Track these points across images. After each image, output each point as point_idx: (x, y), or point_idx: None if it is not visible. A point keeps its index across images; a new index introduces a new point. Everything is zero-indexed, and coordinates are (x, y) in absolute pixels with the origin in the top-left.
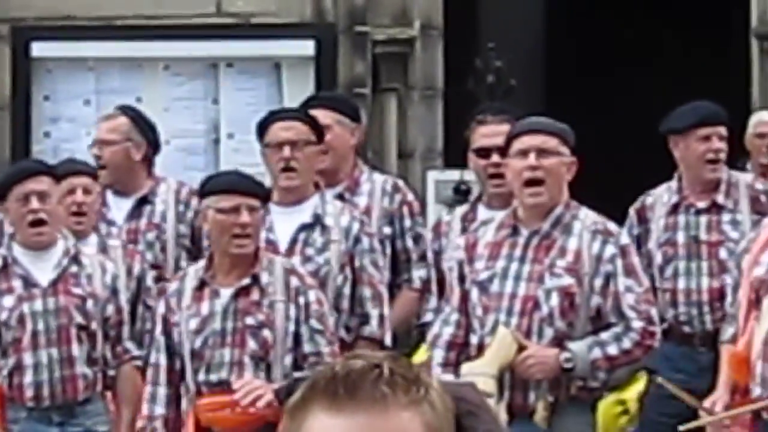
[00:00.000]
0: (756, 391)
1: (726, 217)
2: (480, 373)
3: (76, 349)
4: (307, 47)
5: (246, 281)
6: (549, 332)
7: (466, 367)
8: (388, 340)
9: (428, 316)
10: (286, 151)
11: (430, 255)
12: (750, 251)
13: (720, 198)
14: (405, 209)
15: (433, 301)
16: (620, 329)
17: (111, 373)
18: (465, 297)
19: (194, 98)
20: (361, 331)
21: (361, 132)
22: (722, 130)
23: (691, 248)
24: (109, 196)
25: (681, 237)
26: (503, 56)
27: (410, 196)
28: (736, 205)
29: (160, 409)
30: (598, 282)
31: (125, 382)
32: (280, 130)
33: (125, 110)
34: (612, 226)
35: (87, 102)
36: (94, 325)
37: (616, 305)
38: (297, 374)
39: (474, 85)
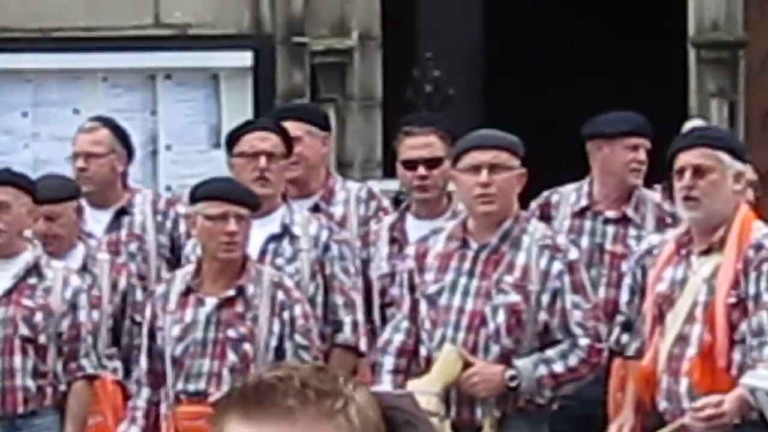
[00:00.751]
0: (662, 405)
1: (633, 231)
2: (424, 392)
3: (18, 361)
4: (245, 58)
5: (231, 292)
6: (495, 349)
7: (411, 385)
8: (362, 346)
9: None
10: (263, 161)
11: (358, 263)
12: (654, 267)
13: (630, 211)
14: (382, 215)
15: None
16: (567, 346)
17: (62, 388)
18: (415, 306)
19: (132, 110)
20: (334, 338)
21: (331, 141)
22: (647, 143)
23: (594, 255)
24: (87, 208)
25: (585, 242)
26: (441, 66)
27: (385, 202)
28: (644, 221)
29: (141, 402)
30: (546, 298)
31: (73, 399)
32: (256, 141)
33: (104, 121)
34: (561, 240)
35: (24, 114)
36: (42, 339)
37: (563, 322)
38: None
39: (412, 95)
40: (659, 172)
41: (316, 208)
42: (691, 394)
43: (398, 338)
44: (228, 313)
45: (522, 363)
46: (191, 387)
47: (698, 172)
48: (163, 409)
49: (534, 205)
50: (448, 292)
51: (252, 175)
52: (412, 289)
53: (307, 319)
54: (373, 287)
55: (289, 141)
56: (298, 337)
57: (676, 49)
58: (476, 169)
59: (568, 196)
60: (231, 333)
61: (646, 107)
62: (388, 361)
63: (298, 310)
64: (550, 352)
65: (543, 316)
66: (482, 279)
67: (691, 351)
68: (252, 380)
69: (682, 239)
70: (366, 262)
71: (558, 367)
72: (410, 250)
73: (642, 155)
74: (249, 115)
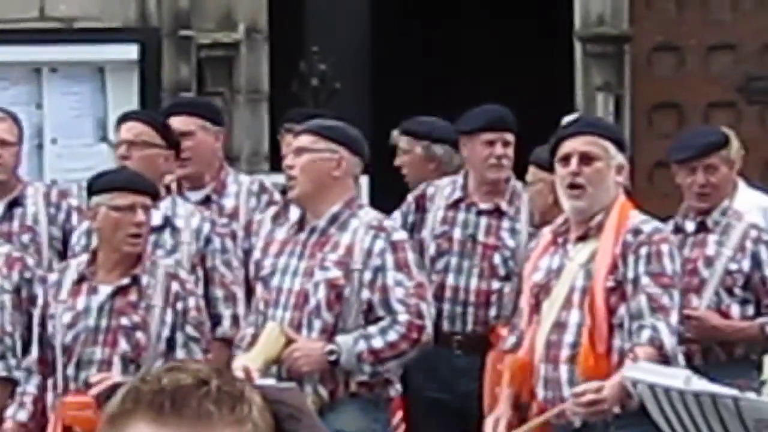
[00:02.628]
0: (540, 393)
1: (506, 223)
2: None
3: None
4: (131, 51)
5: (125, 281)
6: (317, 324)
7: (235, 361)
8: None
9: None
10: (122, 149)
11: (240, 254)
12: (529, 258)
13: (503, 204)
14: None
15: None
16: (387, 322)
17: None
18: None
19: (18, 103)
20: (214, 332)
21: (224, 135)
22: (507, 136)
23: (466, 246)
24: None
25: (457, 233)
26: (328, 60)
27: (277, 196)
28: (518, 213)
29: (31, 388)
30: (368, 276)
31: None
32: (122, 131)
33: (6, 111)
34: (388, 222)
35: None
36: None
37: (384, 299)
38: (118, 379)
39: (299, 88)
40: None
41: (207, 200)
42: (571, 381)
43: (250, 332)
44: (121, 301)
45: (342, 338)
46: (82, 374)
47: (584, 159)
48: (50, 398)
49: (410, 197)
50: (280, 273)
51: (118, 164)
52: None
53: (199, 311)
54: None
55: (168, 132)
56: (189, 329)
57: (562, 43)
58: (287, 154)
59: (443, 188)
60: (124, 321)
61: (533, 102)
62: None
63: (191, 302)
64: (371, 328)
65: (366, 293)
66: (309, 259)
67: (569, 337)
68: (168, 383)
69: (558, 229)
70: (248, 252)
71: (377, 343)
72: (259, 242)
73: (499, 149)
74: (135, 108)
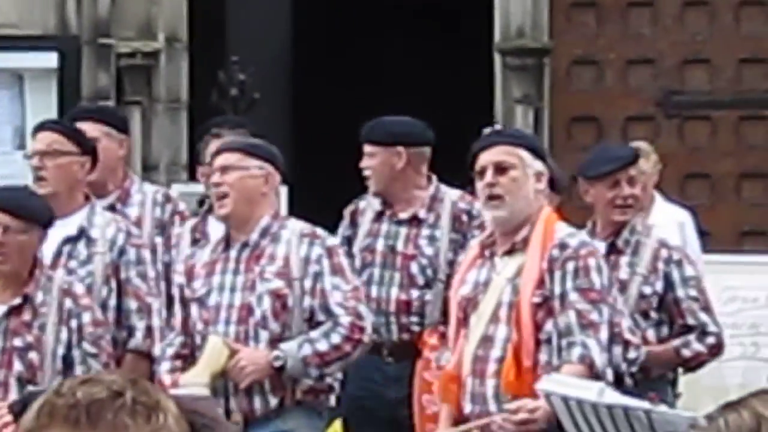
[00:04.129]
0: (467, 408)
1: (424, 231)
2: (193, 384)
3: None
4: (50, 59)
5: (17, 300)
6: (264, 335)
7: (182, 378)
8: (156, 352)
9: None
10: (35, 160)
11: (159, 267)
12: (457, 272)
13: (422, 212)
14: (176, 219)
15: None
16: (329, 326)
17: None
18: (187, 320)
19: None
20: (127, 343)
21: (129, 143)
22: (366, 148)
23: (387, 257)
24: None
25: (380, 245)
26: (247, 70)
27: (181, 206)
28: (438, 220)
29: None
30: (308, 283)
31: None
32: (35, 142)
33: None
34: (319, 230)
35: None
36: None
37: (323, 303)
38: (31, 388)
39: (218, 98)
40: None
41: (111, 209)
42: (497, 396)
43: (171, 349)
44: (15, 321)
45: (286, 345)
46: None
47: (499, 169)
48: None
49: (346, 212)
50: (217, 291)
51: (33, 176)
52: (184, 303)
53: (96, 326)
54: (173, 289)
55: (80, 139)
56: (86, 345)
57: (482, 55)
58: (213, 171)
59: (372, 201)
60: (17, 342)
61: (453, 114)
62: (165, 366)
63: (86, 317)
64: (314, 333)
65: (308, 301)
66: (246, 273)
67: (496, 352)
68: (82, 397)
69: (485, 241)
70: (168, 265)
71: (322, 346)
72: (179, 267)
73: (363, 161)
74: (54, 116)
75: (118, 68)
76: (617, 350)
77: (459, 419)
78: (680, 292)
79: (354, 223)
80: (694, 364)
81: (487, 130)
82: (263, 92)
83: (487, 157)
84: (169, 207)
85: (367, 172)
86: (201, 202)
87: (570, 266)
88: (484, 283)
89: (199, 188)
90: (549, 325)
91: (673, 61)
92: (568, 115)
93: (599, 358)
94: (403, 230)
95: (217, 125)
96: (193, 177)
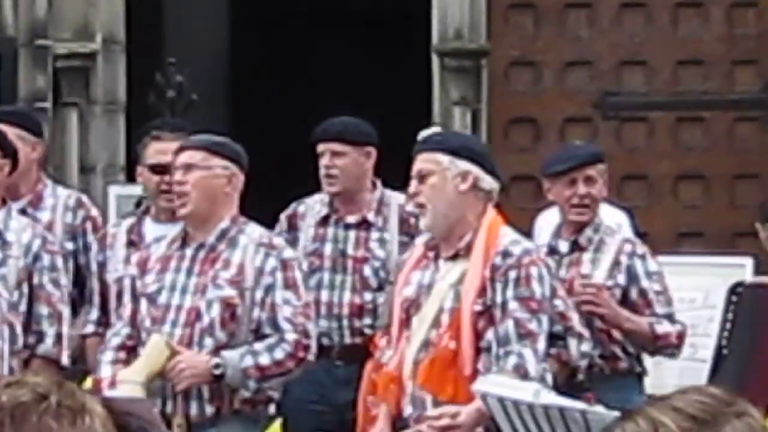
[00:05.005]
0: (407, 410)
1: (374, 234)
2: (129, 381)
3: None
4: None
5: None
6: (209, 342)
7: (119, 375)
8: (64, 360)
9: (89, 328)
10: None
11: (94, 267)
12: (402, 271)
13: (370, 215)
14: (88, 225)
15: (94, 313)
16: (274, 340)
17: None
18: (136, 312)
19: None
20: (36, 349)
21: (43, 146)
22: (335, 147)
23: (337, 262)
24: None
25: (328, 249)
26: (185, 71)
27: (94, 211)
28: (386, 223)
29: None
30: (259, 294)
31: None
32: None
33: None
34: (277, 240)
35: None
36: None
37: (272, 317)
38: None
39: (155, 99)
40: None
41: (23, 213)
42: (435, 401)
43: (117, 339)
44: None
45: (228, 353)
46: None
47: (420, 177)
48: None
49: (282, 217)
50: (168, 291)
51: None
52: (135, 296)
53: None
54: (109, 290)
55: (3, 141)
56: None
57: (420, 57)
58: (177, 170)
59: (313, 205)
60: None
61: (390, 115)
62: (108, 355)
63: None
64: (258, 345)
65: (257, 312)
66: (199, 276)
67: (431, 356)
68: (7, 401)
69: (430, 242)
70: (103, 265)
71: (264, 359)
72: (133, 258)
73: (326, 160)
74: None
75: (55, 70)
76: (573, 344)
77: (398, 420)
78: (645, 283)
79: (293, 228)
80: (663, 344)
81: (424, 133)
82: (201, 94)
83: (413, 166)
84: (81, 212)
85: (332, 171)
86: (138, 204)
87: (512, 275)
88: (428, 286)
89: (136, 190)
90: (489, 334)
91: (610, 62)
92: (506, 117)
93: (534, 369)
94: (353, 234)
95: (158, 128)
96: (130, 179)
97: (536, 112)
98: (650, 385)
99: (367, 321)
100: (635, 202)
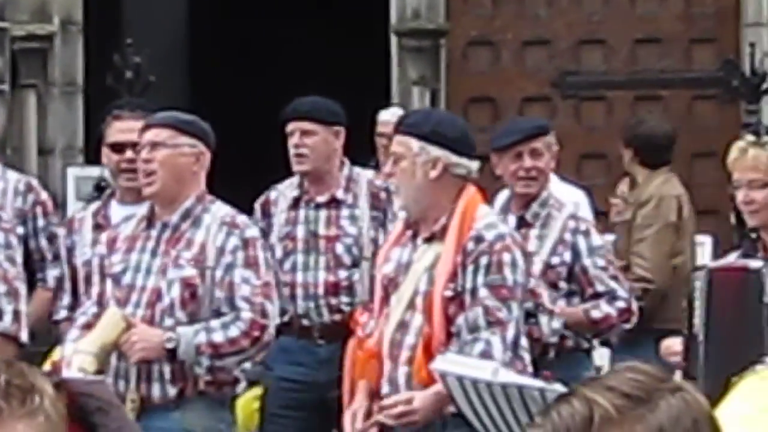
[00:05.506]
0: (384, 388)
1: (345, 212)
2: (81, 351)
3: None
4: None
5: None
6: (169, 322)
7: (72, 346)
8: (23, 337)
9: (62, 313)
10: None
11: (63, 252)
12: (383, 246)
13: (339, 193)
14: (38, 209)
15: (66, 299)
16: (230, 318)
17: None
18: (103, 292)
19: None
20: None
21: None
22: (305, 125)
23: (309, 242)
24: None
25: (300, 231)
26: (143, 52)
27: (44, 196)
28: (356, 200)
29: None
30: (219, 273)
31: None
32: None
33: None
34: (240, 219)
35: None
36: None
37: (230, 296)
38: None
39: (113, 81)
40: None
41: None
42: (408, 384)
43: (83, 318)
44: None
45: (183, 329)
46: None
47: (394, 159)
48: None
49: (256, 205)
50: (132, 271)
51: None
52: (102, 275)
53: None
54: (78, 273)
55: None
56: None
57: (379, 37)
58: (143, 148)
59: (284, 191)
60: None
61: (349, 94)
62: (73, 333)
63: None
64: (213, 322)
65: (218, 291)
66: (163, 256)
67: (410, 339)
68: None
69: (409, 221)
70: (71, 249)
71: (217, 337)
72: (103, 236)
73: (296, 139)
74: None
75: (12, 51)
76: (544, 320)
77: (377, 397)
78: (587, 261)
79: (267, 214)
80: (604, 326)
81: (382, 115)
82: (159, 75)
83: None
84: (30, 197)
85: (302, 150)
86: (98, 186)
87: (483, 261)
88: (406, 265)
89: (95, 172)
90: (460, 319)
91: (568, 41)
92: (464, 96)
93: (500, 357)
94: (323, 213)
95: (119, 107)
96: (89, 161)
97: (495, 92)
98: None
99: (345, 299)
100: (594, 181)
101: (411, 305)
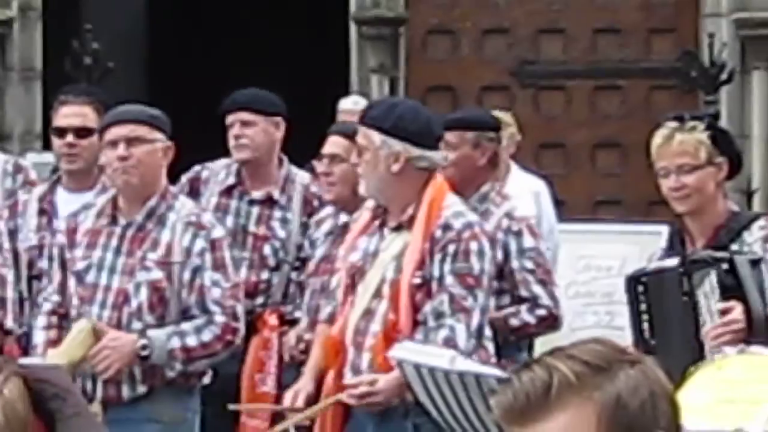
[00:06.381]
0: (347, 375)
1: (277, 213)
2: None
3: None
4: None
5: None
6: (137, 326)
7: (43, 335)
8: (9, 323)
9: None
10: None
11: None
12: (349, 234)
13: (275, 192)
14: (29, 188)
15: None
16: (202, 321)
17: None
18: (65, 282)
19: None
20: None
21: None
22: (244, 116)
23: (237, 236)
24: None
25: (229, 222)
26: (102, 38)
27: (33, 175)
28: (289, 202)
29: None
30: (187, 275)
31: None
32: None
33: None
34: (206, 219)
35: None
36: None
37: (201, 299)
38: None
39: (72, 67)
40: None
41: None
42: (372, 371)
43: (48, 306)
44: None
45: (155, 333)
46: None
47: (359, 151)
48: None
49: (184, 179)
50: (96, 269)
51: None
52: (63, 265)
53: None
54: (20, 258)
55: None
56: None
57: (338, 25)
58: (115, 144)
59: (218, 172)
60: None
61: (308, 82)
62: (41, 321)
63: None
64: (185, 326)
65: (185, 293)
66: (128, 256)
67: (375, 327)
68: None
69: (377, 210)
70: (14, 233)
71: (191, 341)
72: (61, 225)
73: (236, 129)
74: None
75: None
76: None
77: (340, 386)
78: (515, 263)
79: (194, 192)
80: (521, 334)
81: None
82: (117, 61)
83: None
84: (20, 177)
85: (242, 141)
86: (54, 171)
87: (451, 249)
88: (373, 254)
89: (52, 158)
90: (427, 307)
91: (528, 30)
92: (423, 85)
93: (464, 344)
94: (255, 210)
95: (65, 92)
96: (47, 146)
97: (454, 80)
98: None
99: (259, 300)
100: (553, 170)
101: (378, 293)
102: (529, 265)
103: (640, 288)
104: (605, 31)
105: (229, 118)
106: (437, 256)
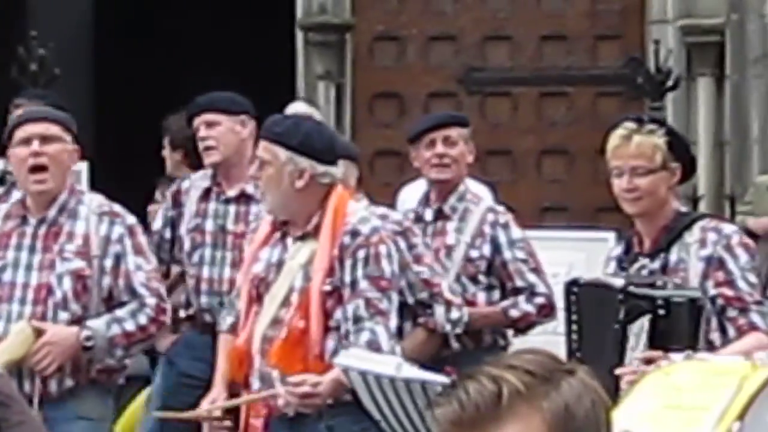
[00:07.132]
0: (255, 384)
1: (254, 208)
2: None
3: None
4: None
5: None
6: (64, 316)
7: None
8: None
9: None
10: None
11: None
12: (251, 245)
13: (249, 188)
14: None
15: None
16: (135, 306)
17: None
18: None
19: None
20: None
21: None
22: (207, 117)
23: (218, 237)
24: None
25: (209, 225)
26: (48, 45)
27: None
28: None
29: None
30: (109, 263)
31: None
32: None
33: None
34: (117, 207)
35: None
36: None
37: (127, 284)
38: None
39: (18, 73)
40: None
41: None
42: (282, 378)
43: None
44: None
45: (94, 323)
46: None
47: (260, 164)
48: None
49: (168, 193)
50: (12, 268)
51: None
52: None
53: None
54: None
55: None
56: None
57: (284, 31)
58: (28, 141)
59: (196, 181)
60: None
61: (254, 89)
62: None
63: None
64: (120, 312)
65: (107, 281)
66: (45, 252)
67: (284, 334)
68: None
69: (276, 222)
70: None
71: (129, 326)
72: None
73: (202, 132)
74: None
75: None
76: (440, 311)
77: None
78: (507, 255)
79: (177, 204)
80: (523, 325)
81: (290, 108)
82: (64, 68)
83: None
84: None
85: (209, 143)
86: (2, 179)
87: (361, 254)
88: (277, 264)
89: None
90: (338, 313)
91: (474, 37)
92: (370, 92)
93: (386, 345)
94: (232, 208)
95: (23, 97)
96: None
97: (400, 87)
98: None
99: None
100: (499, 177)
101: (286, 302)
102: (521, 255)
103: (573, 298)
104: (551, 38)
105: (195, 122)
106: (348, 262)
